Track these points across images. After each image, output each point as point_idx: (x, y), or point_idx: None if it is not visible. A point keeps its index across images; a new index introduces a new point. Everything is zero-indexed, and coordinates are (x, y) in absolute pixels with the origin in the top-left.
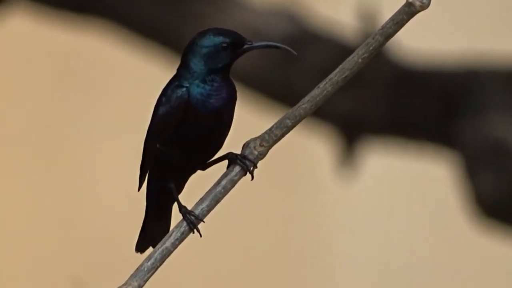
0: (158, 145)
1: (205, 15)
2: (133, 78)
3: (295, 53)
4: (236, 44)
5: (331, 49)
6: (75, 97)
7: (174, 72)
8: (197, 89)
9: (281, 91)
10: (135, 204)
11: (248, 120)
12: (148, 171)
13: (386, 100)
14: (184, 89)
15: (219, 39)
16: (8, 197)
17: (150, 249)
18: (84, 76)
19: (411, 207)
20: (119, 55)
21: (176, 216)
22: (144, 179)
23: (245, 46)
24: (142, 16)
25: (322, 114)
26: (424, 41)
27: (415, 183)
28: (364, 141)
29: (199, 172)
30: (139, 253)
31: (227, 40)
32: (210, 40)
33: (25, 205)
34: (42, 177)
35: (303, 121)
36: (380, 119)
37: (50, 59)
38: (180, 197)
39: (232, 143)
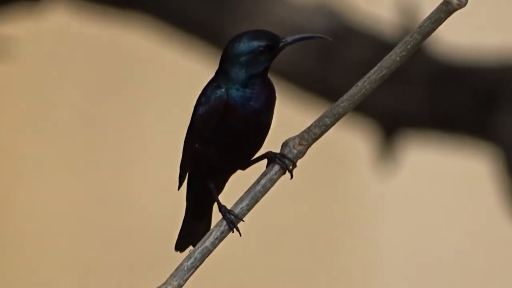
0: (197, 145)
1: (246, 10)
2: (174, 74)
3: (330, 39)
4: (272, 45)
5: (371, 45)
6: (116, 93)
7: (215, 68)
8: (236, 92)
9: (321, 87)
10: (175, 203)
11: (288, 118)
12: (188, 171)
13: (425, 95)
14: (223, 89)
15: (254, 44)
16: (50, 191)
17: (190, 249)
18: (125, 72)
19: (450, 202)
20: (160, 51)
21: (216, 216)
22: (184, 179)
23: (281, 44)
24: (183, 12)
25: (362, 109)
26: (462, 36)
27: (454, 178)
28: (403, 135)
29: (238, 171)
30: (178, 252)
31: (263, 43)
32: (246, 47)
33: (66, 200)
34: (84, 174)
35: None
36: (419, 114)
37: (91, 54)
38: (220, 196)
39: (271, 142)
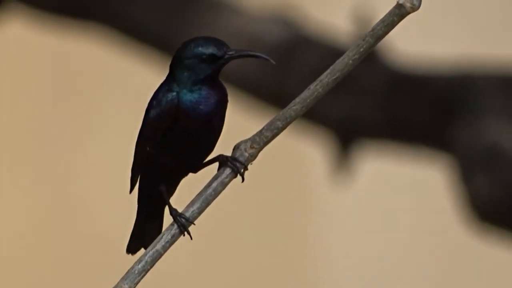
0: (148, 148)
1: (202, 21)
2: (129, 83)
3: (273, 62)
4: (215, 55)
5: (326, 53)
6: (69, 101)
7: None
8: (186, 96)
9: (275, 95)
10: (127, 206)
11: (239, 122)
12: (140, 174)
13: (381, 104)
14: (174, 93)
15: (198, 50)
16: (4, 202)
17: (142, 252)
18: (78, 81)
19: (406, 211)
20: (115, 60)
21: (168, 219)
22: (136, 182)
23: (226, 56)
24: (139, 22)
25: (317, 117)
26: (419, 46)
27: (410, 187)
28: (359, 145)
29: (190, 174)
30: (130, 254)
31: (206, 52)
32: (190, 52)
33: (20, 208)
34: (36, 181)
35: (298, 124)
36: (376, 123)
37: (45, 63)
38: (171, 199)
39: (223, 145)
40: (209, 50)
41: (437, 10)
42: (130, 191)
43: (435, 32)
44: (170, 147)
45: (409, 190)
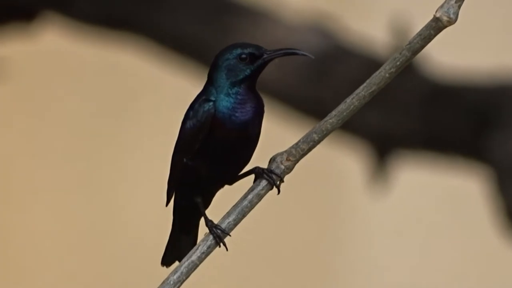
0: (185, 159)
1: (239, 30)
2: (166, 93)
3: (312, 56)
4: (254, 54)
5: (363, 64)
6: (107, 112)
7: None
8: (222, 103)
9: (313, 106)
10: (163, 218)
11: (275, 134)
12: (176, 186)
13: (418, 115)
14: (211, 103)
15: (237, 51)
16: (42, 211)
17: (177, 263)
18: (116, 91)
19: (443, 221)
20: (153, 70)
21: (203, 231)
22: (172, 194)
23: (264, 56)
24: (177, 32)
25: (355, 127)
26: (455, 57)
27: (445, 197)
28: (396, 155)
29: (226, 186)
30: (165, 267)
31: (245, 51)
32: (229, 53)
33: (58, 217)
34: (75, 192)
35: (335, 134)
36: (412, 134)
37: (84, 74)
38: (207, 211)
39: (259, 157)
40: (248, 50)
41: (473, 21)
42: (166, 204)
43: (471, 43)
44: (207, 158)
45: (445, 200)
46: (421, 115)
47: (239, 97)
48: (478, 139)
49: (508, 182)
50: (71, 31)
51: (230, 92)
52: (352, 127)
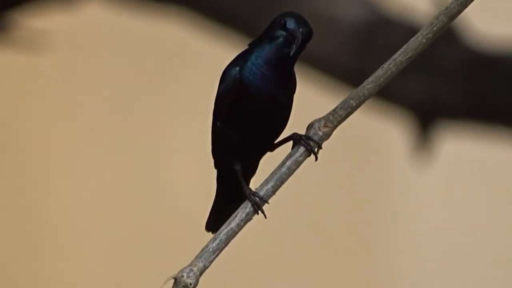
0: (218, 123)
1: (283, 2)
2: (209, 66)
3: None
4: (305, 40)
5: (406, 33)
6: (150, 85)
7: None
8: (247, 69)
9: (355, 75)
10: (208, 183)
11: (314, 100)
12: (215, 150)
13: (460, 85)
14: (237, 68)
15: (293, 25)
16: (84, 183)
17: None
18: (159, 64)
19: (486, 192)
20: (196, 43)
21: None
22: (216, 158)
23: (296, 40)
24: (219, 3)
25: (397, 98)
26: (498, 26)
27: (490, 168)
28: (438, 125)
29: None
30: (209, 232)
31: (299, 35)
32: (288, 24)
33: (102, 184)
34: (118, 158)
35: (378, 104)
36: (455, 104)
37: (126, 47)
38: (252, 179)
39: (297, 124)
40: (301, 35)
41: None
42: (215, 166)
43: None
44: (237, 122)
45: (489, 171)
46: (464, 85)
47: (266, 64)
48: None
49: None
50: (112, 2)
51: (260, 56)
52: (395, 97)
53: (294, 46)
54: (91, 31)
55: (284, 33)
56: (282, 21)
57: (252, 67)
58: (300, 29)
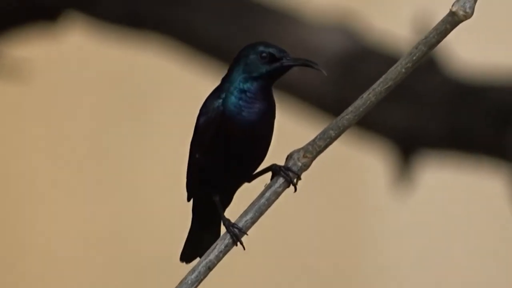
0: (197, 155)
1: (261, 30)
2: (187, 92)
3: (325, 73)
4: (274, 56)
5: (387, 63)
6: (129, 110)
7: None
8: (231, 100)
9: (336, 106)
10: (183, 213)
11: (293, 131)
12: (194, 183)
13: (442, 114)
14: (220, 100)
15: (260, 48)
16: (60, 211)
17: (195, 262)
18: (138, 89)
19: (466, 220)
20: (175, 71)
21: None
22: (191, 189)
23: (283, 60)
24: (199, 31)
25: (379, 127)
26: (479, 55)
27: (470, 196)
28: (420, 154)
29: (245, 184)
30: (184, 263)
31: (267, 50)
32: (252, 49)
33: (75, 214)
34: (94, 189)
35: (359, 133)
36: (436, 133)
37: (106, 74)
38: (228, 209)
39: (276, 154)
40: (270, 49)
41: (495, 18)
42: (188, 199)
43: (494, 41)
44: (217, 154)
45: (469, 200)
46: (445, 114)
47: (248, 94)
48: (502, 138)
49: None
50: (94, 31)
51: (241, 87)
52: (376, 126)
53: (282, 64)
54: (73, 60)
55: (265, 64)
56: (264, 54)
57: (235, 99)
58: (282, 53)
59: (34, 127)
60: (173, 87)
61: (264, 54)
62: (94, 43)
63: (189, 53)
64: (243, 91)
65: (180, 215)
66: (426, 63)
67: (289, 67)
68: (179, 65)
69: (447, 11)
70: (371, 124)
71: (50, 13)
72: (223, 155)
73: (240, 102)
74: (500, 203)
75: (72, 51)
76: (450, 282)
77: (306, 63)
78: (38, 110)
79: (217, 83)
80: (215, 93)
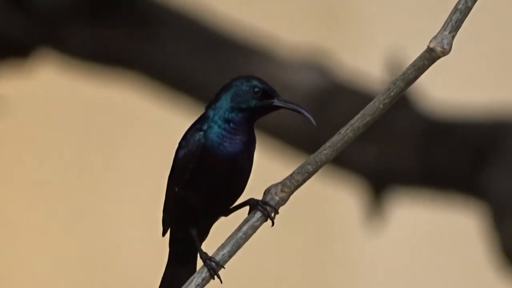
0: (176, 189)
1: (233, 66)
2: (160, 128)
3: (315, 123)
4: (267, 93)
5: (359, 100)
6: (101, 145)
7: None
8: (213, 130)
9: (308, 142)
10: (159, 249)
11: (270, 166)
12: (171, 217)
13: (414, 151)
14: (201, 133)
15: (254, 82)
16: (33, 244)
17: None
18: (110, 124)
19: (440, 258)
20: (147, 106)
21: (200, 263)
22: (167, 224)
23: (275, 100)
24: (170, 67)
25: (350, 163)
26: (452, 92)
27: (443, 233)
28: (391, 191)
29: (221, 218)
30: None
31: (261, 85)
32: (246, 80)
33: (50, 250)
34: (67, 225)
35: (331, 169)
36: (409, 170)
37: (76, 109)
38: (205, 243)
39: (254, 189)
40: (264, 86)
41: (469, 55)
42: (163, 234)
43: (467, 78)
44: (198, 187)
45: (442, 237)
46: (418, 152)
47: (231, 125)
48: (475, 175)
49: (503, 217)
50: (66, 67)
51: (226, 116)
52: (348, 163)
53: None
54: (45, 95)
55: (256, 99)
56: (257, 88)
57: (218, 128)
58: (265, 86)
59: (5, 159)
60: (145, 122)
61: (257, 89)
62: (65, 78)
63: (160, 88)
64: (227, 120)
65: (156, 250)
66: (399, 100)
67: (278, 107)
68: (151, 100)
69: (419, 48)
70: (342, 161)
71: (21, 50)
72: (204, 189)
73: (223, 132)
74: (473, 240)
75: (44, 86)
76: None
77: (296, 109)
78: (10, 145)
79: (188, 118)
80: (196, 125)
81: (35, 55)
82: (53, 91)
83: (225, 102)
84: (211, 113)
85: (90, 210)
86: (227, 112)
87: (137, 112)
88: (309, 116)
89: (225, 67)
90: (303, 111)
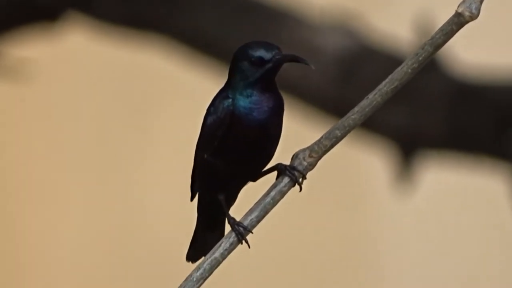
0: (205, 155)
1: (264, 30)
2: (190, 93)
3: (313, 67)
4: (263, 58)
5: (389, 63)
6: (131, 110)
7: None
8: (239, 102)
9: (338, 105)
10: (188, 213)
11: (299, 131)
12: (199, 182)
13: (443, 115)
14: (230, 100)
15: (248, 53)
16: (63, 213)
17: (201, 260)
18: (140, 90)
19: (468, 221)
20: (176, 71)
21: (229, 227)
22: (196, 189)
23: (273, 59)
24: (200, 32)
25: (380, 127)
26: (480, 55)
27: (471, 197)
28: (420, 154)
29: (249, 183)
30: (190, 262)
31: (254, 54)
32: (241, 55)
33: (80, 214)
34: (97, 188)
35: (360, 134)
36: (437, 133)
37: (108, 74)
38: (232, 208)
39: (282, 154)
40: (257, 53)
41: (496, 19)
42: (191, 199)
43: (496, 41)
44: (227, 154)
45: (470, 200)
46: (446, 115)
47: (253, 98)
48: (503, 138)
49: None
50: (94, 31)
51: (244, 93)
52: (376, 127)
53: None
54: (74, 60)
55: (257, 68)
56: (253, 59)
57: (243, 102)
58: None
59: (34, 127)
60: (174, 87)
61: (253, 59)
62: (94, 43)
63: (190, 53)
64: (248, 95)
65: (184, 215)
66: (427, 64)
67: (280, 65)
68: (180, 65)
69: (448, 13)
70: (371, 125)
71: (50, 14)
72: (233, 155)
73: (249, 105)
74: (500, 202)
75: (72, 51)
76: (451, 282)
77: (295, 59)
78: (38, 110)
79: (217, 84)
80: (222, 94)
81: (63, 19)
82: (82, 55)
83: (236, 82)
84: (230, 91)
85: (119, 174)
86: (243, 90)
87: (167, 78)
88: (308, 63)
89: (255, 30)
90: (300, 59)
